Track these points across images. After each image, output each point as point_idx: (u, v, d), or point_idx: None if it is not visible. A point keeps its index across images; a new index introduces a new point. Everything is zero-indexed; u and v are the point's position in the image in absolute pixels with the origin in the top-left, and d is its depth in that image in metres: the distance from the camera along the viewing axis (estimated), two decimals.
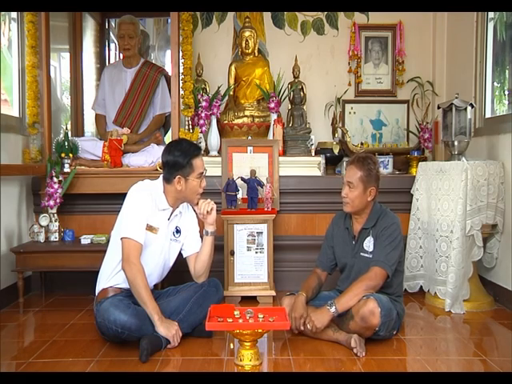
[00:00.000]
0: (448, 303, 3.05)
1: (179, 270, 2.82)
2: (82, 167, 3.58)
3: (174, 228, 2.70)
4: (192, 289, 2.68)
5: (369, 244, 2.64)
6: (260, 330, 2.24)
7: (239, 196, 3.30)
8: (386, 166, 3.95)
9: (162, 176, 2.67)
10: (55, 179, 3.34)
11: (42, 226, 3.34)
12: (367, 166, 2.61)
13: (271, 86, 4.09)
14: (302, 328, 2.51)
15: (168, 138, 4.09)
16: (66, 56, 4.43)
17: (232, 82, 4.22)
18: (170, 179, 2.59)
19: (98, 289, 2.62)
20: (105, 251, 2.69)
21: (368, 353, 2.37)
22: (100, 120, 4.13)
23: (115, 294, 2.54)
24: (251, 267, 3.28)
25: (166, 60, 4.94)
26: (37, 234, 3.35)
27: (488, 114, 3.59)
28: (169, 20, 4.33)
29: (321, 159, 3.84)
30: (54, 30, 3.82)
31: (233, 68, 4.25)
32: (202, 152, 2.86)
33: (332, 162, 4.16)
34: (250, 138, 3.85)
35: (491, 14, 3.56)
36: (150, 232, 2.56)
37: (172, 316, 2.56)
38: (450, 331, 2.81)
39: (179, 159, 2.56)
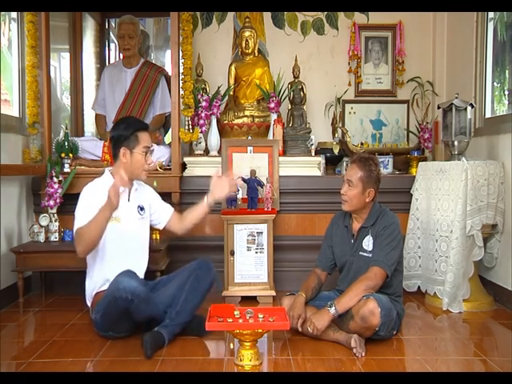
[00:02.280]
0: (446, 302, 3.06)
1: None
2: (82, 167, 3.58)
3: (136, 207, 2.71)
4: (185, 274, 2.65)
5: (368, 243, 2.64)
6: (260, 330, 2.24)
7: (239, 196, 3.30)
8: (385, 165, 3.96)
9: (106, 169, 2.72)
10: (55, 179, 3.34)
11: (42, 226, 3.34)
12: (369, 166, 2.62)
13: (271, 86, 4.09)
14: (299, 328, 2.52)
15: (168, 138, 4.09)
16: (66, 56, 4.43)
17: (232, 81, 4.22)
18: (116, 154, 2.62)
19: (89, 297, 2.64)
20: None
21: (368, 353, 2.37)
22: (100, 120, 4.14)
23: None
24: (251, 267, 3.28)
25: (166, 60, 4.94)
26: (37, 234, 3.35)
27: (488, 114, 3.59)
28: (169, 20, 4.32)
29: (321, 159, 3.84)
30: (54, 30, 3.82)
31: (233, 68, 4.25)
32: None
33: (332, 161, 4.16)
34: (250, 138, 3.85)
35: (491, 14, 3.56)
36: (116, 222, 2.57)
37: (170, 309, 2.53)
38: (449, 331, 2.81)
39: (124, 132, 2.60)
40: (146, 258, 2.78)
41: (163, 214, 2.82)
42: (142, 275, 2.68)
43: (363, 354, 2.35)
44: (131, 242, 2.66)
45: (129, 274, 2.43)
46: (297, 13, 4.52)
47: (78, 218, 2.54)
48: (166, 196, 3.08)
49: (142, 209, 2.73)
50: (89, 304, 2.65)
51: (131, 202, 2.68)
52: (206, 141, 3.81)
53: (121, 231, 2.60)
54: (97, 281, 2.61)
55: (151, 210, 2.79)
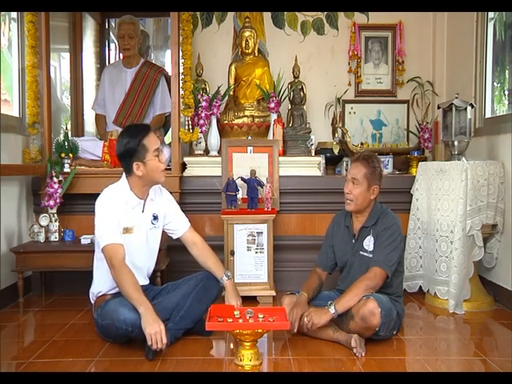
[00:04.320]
0: (452, 304, 3.04)
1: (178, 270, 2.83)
2: (82, 167, 3.58)
3: (151, 216, 2.67)
4: (192, 283, 2.65)
5: (369, 243, 2.65)
6: (260, 330, 2.24)
7: (239, 196, 3.30)
8: (385, 165, 3.95)
9: (123, 174, 2.63)
10: (55, 179, 3.34)
11: (41, 226, 3.34)
12: (372, 163, 2.64)
13: (271, 85, 4.09)
14: (295, 324, 2.47)
15: (168, 138, 4.09)
16: (66, 56, 4.43)
17: (232, 82, 4.22)
18: (130, 169, 2.53)
19: (93, 295, 2.62)
20: None
21: (368, 353, 2.37)
22: (100, 120, 4.14)
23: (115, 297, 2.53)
24: (251, 267, 3.28)
25: (166, 60, 4.94)
26: (37, 234, 3.35)
27: (488, 114, 3.59)
28: (169, 20, 4.32)
29: (321, 159, 3.84)
30: (54, 29, 3.82)
31: (233, 68, 4.25)
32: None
33: (332, 162, 4.16)
34: (250, 138, 3.85)
35: (491, 14, 3.56)
36: (127, 233, 2.54)
37: (174, 312, 2.56)
38: (449, 331, 2.81)
39: (130, 145, 2.50)
40: (154, 262, 2.77)
41: (178, 228, 2.79)
42: (147, 280, 2.70)
43: (363, 354, 2.35)
44: (140, 250, 2.63)
45: (128, 303, 2.37)
46: (297, 13, 4.52)
47: (102, 237, 2.46)
48: None
49: (155, 218, 2.68)
50: (92, 301, 2.64)
51: (145, 212, 2.64)
52: (206, 141, 3.81)
53: (132, 241, 2.56)
54: (102, 284, 2.59)
55: (165, 220, 2.75)
